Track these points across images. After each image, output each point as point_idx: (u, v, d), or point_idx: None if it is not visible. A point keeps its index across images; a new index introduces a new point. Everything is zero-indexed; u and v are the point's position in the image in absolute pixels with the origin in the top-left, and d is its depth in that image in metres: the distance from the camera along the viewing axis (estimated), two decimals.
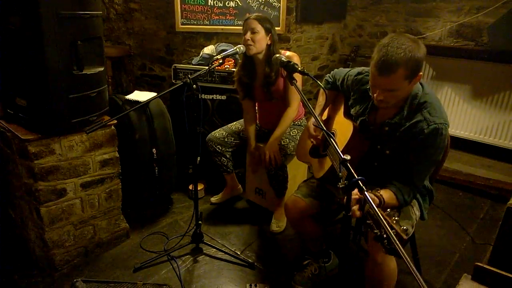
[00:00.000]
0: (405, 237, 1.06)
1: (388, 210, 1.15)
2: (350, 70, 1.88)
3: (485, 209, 2.83)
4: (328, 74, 2.02)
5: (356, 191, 1.32)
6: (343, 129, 1.79)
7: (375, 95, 1.52)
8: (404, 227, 1.09)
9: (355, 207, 1.30)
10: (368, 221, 1.18)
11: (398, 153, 1.62)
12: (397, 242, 1.04)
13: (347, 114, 1.86)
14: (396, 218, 1.11)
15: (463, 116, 3.43)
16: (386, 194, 1.53)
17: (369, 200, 1.14)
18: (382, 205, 1.45)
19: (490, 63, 3.18)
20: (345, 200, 1.26)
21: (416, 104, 1.54)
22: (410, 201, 1.65)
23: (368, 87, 1.67)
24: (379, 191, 1.48)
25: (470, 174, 3.16)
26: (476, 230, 2.58)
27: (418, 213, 1.76)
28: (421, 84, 1.58)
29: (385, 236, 1.08)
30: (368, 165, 1.72)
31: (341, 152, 1.34)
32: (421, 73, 1.46)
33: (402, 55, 1.38)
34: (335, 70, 2.00)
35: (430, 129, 1.49)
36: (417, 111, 1.54)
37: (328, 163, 1.79)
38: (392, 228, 1.08)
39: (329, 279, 2.09)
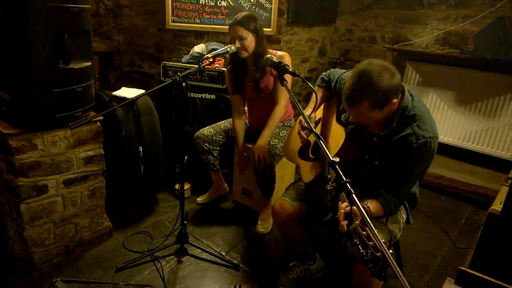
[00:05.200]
0: (391, 262, 1.04)
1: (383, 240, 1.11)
2: (344, 73, 1.87)
3: (467, 214, 2.88)
4: (324, 72, 2.00)
5: (344, 204, 1.34)
6: (335, 134, 1.79)
7: (353, 120, 1.56)
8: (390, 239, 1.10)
9: (344, 222, 1.28)
10: (354, 240, 1.17)
11: (385, 164, 1.62)
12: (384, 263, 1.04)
13: (338, 120, 1.85)
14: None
15: (447, 122, 3.49)
16: (373, 205, 1.55)
17: (357, 203, 1.14)
18: (369, 215, 1.46)
19: (475, 71, 3.24)
20: (332, 202, 1.26)
21: (405, 116, 1.53)
22: (396, 211, 1.66)
23: None
24: (365, 202, 1.51)
25: (453, 179, 3.21)
26: (458, 234, 2.62)
27: (405, 217, 1.79)
28: (411, 95, 1.57)
29: (370, 258, 1.06)
30: (356, 174, 1.70)
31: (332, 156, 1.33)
32: (394, 100, 1.45)
33: (366, 89, 1.40)
34: (332, 69, 1.98)
35: (419, 143, 1.49)
36: (406, 124, 1.53)
37: (317, 169, 1.79)
38: (378, 250, 1.06)
39: (314, 282, 2.09)
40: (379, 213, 1.57)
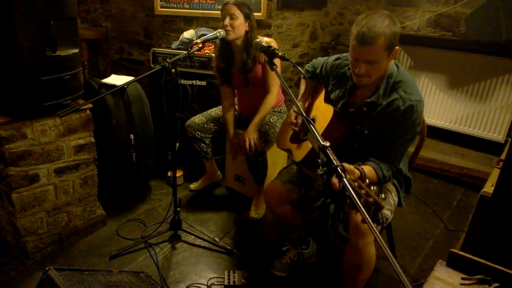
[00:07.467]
0: (382, 204, 1.10)
1: (373, 187, 1.16)
2: (328, 58, 1.92)
3: (459, 197, 2.91)
4: (307, 64, 2.04)
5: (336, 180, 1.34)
6: (323, 113, 1.82)
7: (356, 70, 1.54)
8: (383, 196, 1.13)
9: (335, 180, 1.29)
10: (346, 193, 1.18)
11: (376, 132, 1.67)
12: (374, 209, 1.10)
13: (327, 100, 1.89)
14: (378, 193, 1.13)
15: (439, 106, 3.49)
16: (367, 168, 1.57)
17: (347, 186, 1.15)
18: (363, 177, 1.46)
19: (466, 54, 3.23)
20: (323, 186, 1.27)
21: (391, 83, 1.60)
22: (389, 178, 1.68)
23: (346, 69, 1.74)
24: (360, 165, 1.51)
25: (445, 162, 3.24)
26: (450, 217, 2.66)
27: (396, 199, 1.80)
28: (396, 65, 1.64)
29: (364, 205, 1.10)
30: (349, 147, 1.75)
31: (322, 135, 1.35)
32: (397, 47, 1.52)
33: (381, 27, 1.45)
34: (314, 59, 2.02)
35: (406, 106, 1.55)
36: (392, 90, 1.60)
37: (308, 146, 1.80)
38: (369, 196, 1.11)
39: (307, 265, 2.12)
40: (373, 177, 1.59)
